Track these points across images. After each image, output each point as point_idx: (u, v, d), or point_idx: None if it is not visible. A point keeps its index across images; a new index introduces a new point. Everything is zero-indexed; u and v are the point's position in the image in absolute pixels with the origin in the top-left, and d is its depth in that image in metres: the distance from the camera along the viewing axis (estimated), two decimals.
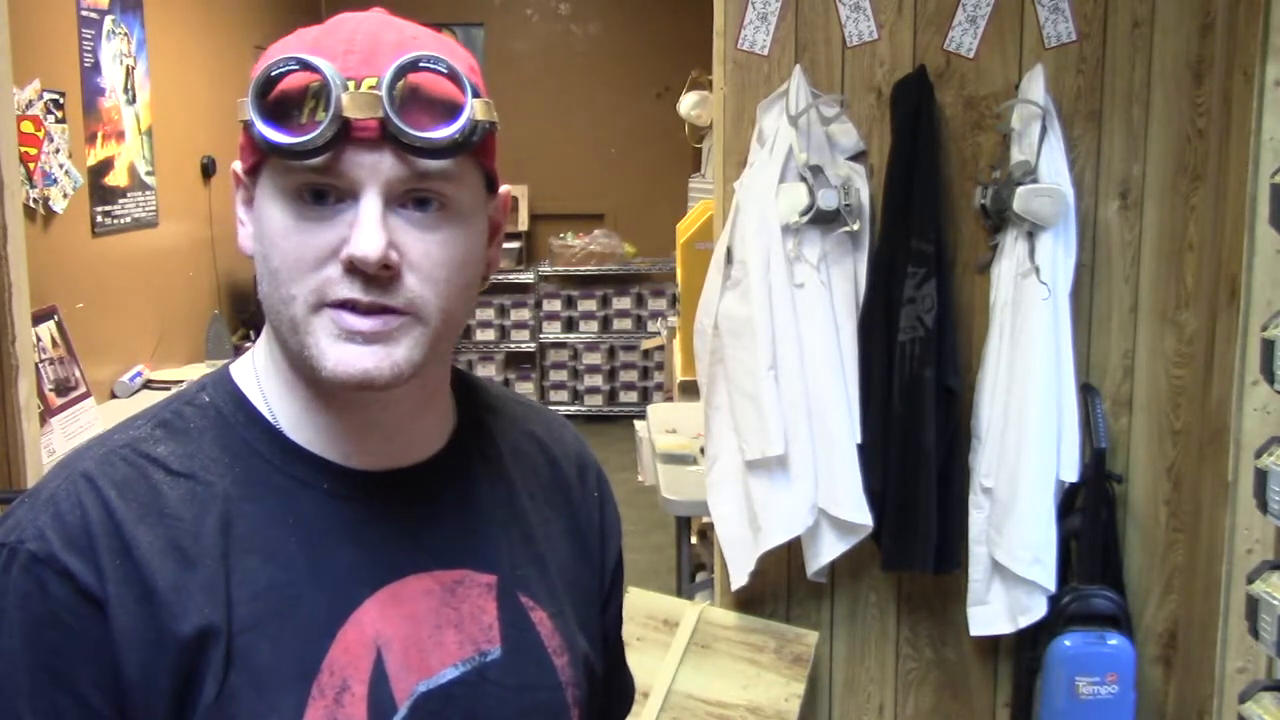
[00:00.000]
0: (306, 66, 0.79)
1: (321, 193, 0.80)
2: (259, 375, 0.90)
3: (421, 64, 0.81)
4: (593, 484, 1.06)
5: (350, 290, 0.80)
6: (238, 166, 0.87)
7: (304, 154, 0.79)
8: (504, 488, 0.96)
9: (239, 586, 0.81)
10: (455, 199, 0.83)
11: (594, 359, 7.20)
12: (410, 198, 0.81)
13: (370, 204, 0.79)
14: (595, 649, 1.00)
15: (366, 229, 0.79)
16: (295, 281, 0.81)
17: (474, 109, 0.81)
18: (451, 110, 0.81)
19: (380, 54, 0.81)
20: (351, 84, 0.79)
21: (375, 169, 0.79)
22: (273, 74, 0.80)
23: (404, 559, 0.88)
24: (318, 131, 0.78)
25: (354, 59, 0.81)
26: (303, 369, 0.85)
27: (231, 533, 0.83)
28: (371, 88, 0.79)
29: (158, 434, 0.86)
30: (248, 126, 0.81)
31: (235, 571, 0.82)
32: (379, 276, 0.80)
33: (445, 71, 0.81)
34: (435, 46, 0.83)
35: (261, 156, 0.82)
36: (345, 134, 0.79)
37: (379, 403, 0.87)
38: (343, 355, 0.81)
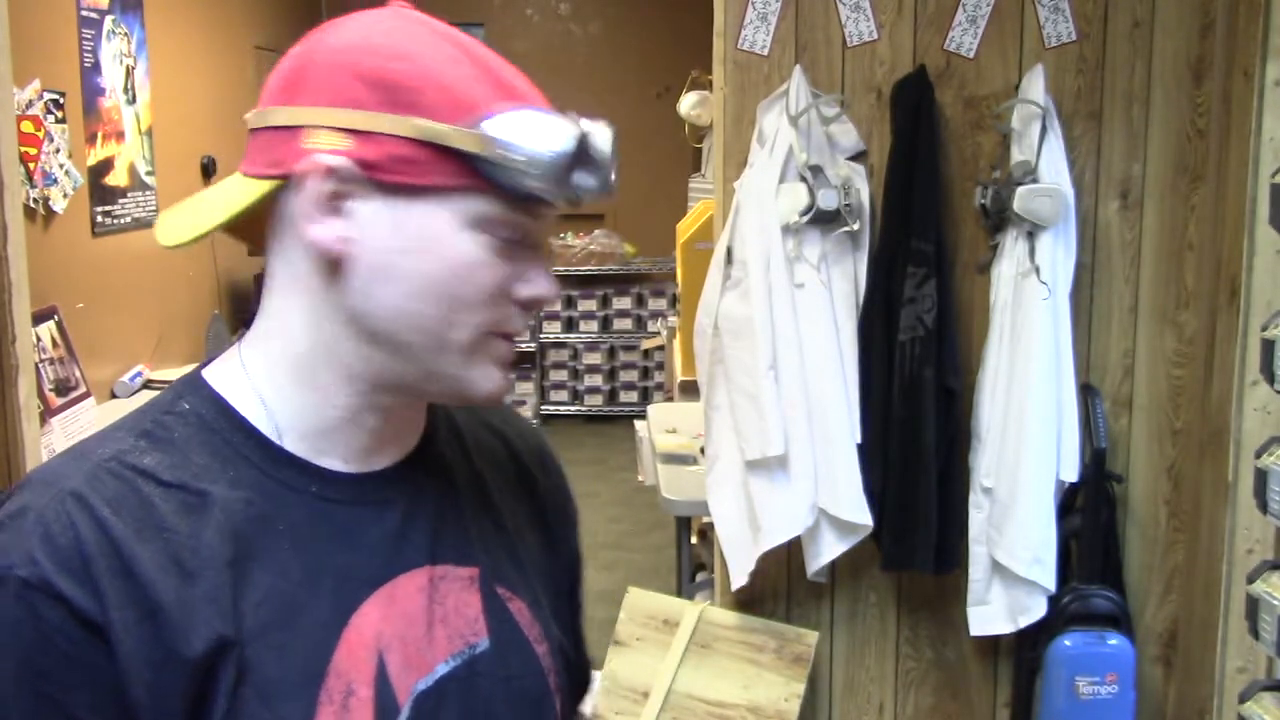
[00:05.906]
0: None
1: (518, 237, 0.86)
2: (255, 380, 0.87)
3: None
4: (554, 473, 1.08)
5: (521, 324, 0.89)
6: (342, 163, 0.81)
7: (546, 203, 0.85)
8: (474, 480, 0.98)
9: (242, 596, 0.80)
10: None
11: (594, 359, 7.20)
12: None
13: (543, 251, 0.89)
14: (567, 635, 1.02)
15: (549, 275, 0.88)
16: (477, 310, 0.85)
17: None
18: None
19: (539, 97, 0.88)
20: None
21: (550, 218, 0.88)
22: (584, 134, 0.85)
23: (394, 558, 0.88)
24: (598, 183, 0.86)
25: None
26: (392, 385, 0.87)
27: (228, 541, 0.81)
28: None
29: (142, 445, 0.83)
30: (477, 156, 0.82)
31: (237, 580, 0.81)
32: None
33: (612, 133, 0.88)
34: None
35: (466, 183, 0.82)
36: None
37: (418, 410, 0.94)
38: (499, 381, 0.89)
